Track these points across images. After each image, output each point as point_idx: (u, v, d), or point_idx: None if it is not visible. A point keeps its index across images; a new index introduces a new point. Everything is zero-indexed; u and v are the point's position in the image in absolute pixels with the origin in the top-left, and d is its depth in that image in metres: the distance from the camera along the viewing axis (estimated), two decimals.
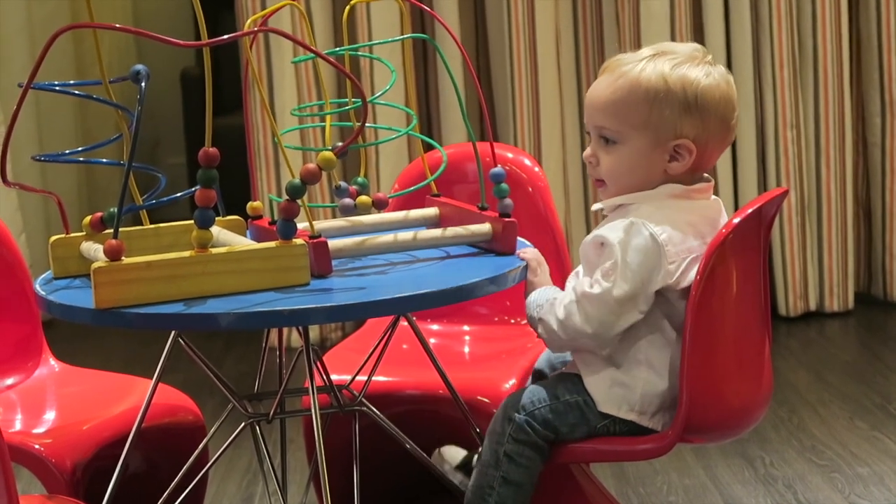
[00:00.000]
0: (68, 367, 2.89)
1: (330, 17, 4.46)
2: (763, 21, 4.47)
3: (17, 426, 2.60)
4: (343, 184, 2.50)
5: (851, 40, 4.60)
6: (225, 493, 3.28)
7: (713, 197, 2.26)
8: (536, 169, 2.92)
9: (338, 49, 2.52)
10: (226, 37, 2.14)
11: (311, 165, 2.17)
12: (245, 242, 2.26)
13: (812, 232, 4.59)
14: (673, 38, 4.43)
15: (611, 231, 2.14)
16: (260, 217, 2.44)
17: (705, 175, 2.26)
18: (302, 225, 2.28)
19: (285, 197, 2.18)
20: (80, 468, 2.45)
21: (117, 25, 2.20)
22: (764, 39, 4.49)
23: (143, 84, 2.12)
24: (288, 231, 2.17)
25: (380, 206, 2.49)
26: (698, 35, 4.50)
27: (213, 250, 2.14)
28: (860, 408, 3.67)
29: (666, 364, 2.20)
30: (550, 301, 2.19)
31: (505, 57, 4.46)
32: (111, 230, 2.31)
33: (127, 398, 2.72)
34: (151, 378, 2.47)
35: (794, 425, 3.56)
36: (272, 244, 2.17)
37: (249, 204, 2.44)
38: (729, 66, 4.51)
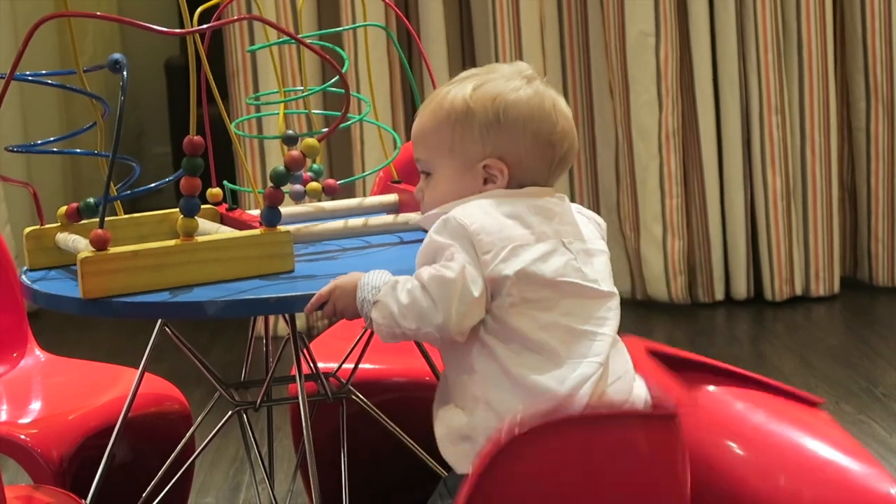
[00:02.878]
0: (54, 357, 2.88)
1: (315, 2, 4.45)
2: (747, 5, 4.48)
3: (3, 417, 2.59)
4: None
5: (836, 24, 4.60)
6: (212, 483, 3.28)
7: (557, 196, 2.04)
8: None
9: (286, 39, 2.51)
10: (210, 24, 2.14)
11: (296, 153, 2.17)
12: (225, 230, 2.26)
13: (797, 217, 4.60)
14: (657, 24, 4.44)
15: (431, 235, 1.98)
16: (219, 203, 2.44)
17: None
18: (255, 212, 2.29)
19: (269, 184, 2.18)
20: (66, 458, 2.45)
21: (100, 14, 2.20)
22: (748, 24, 4.49)
23: (124, 73, 2.12)
24: (273, 218, 2.17)
25: (330, 192, 2.49)
26: (682, 19, 4.50)
27: (199, 238, 2.14)
28: (846, 392, 3.68)
29: (503, 398, 1.93)
30: (391, 284, 1.98)
31: (490, 45, 4.46)
32: (86, 221, 2.31)
33: (113, 388, 2.71)
34: (138, 368, 2.47)
35: None
36: (257, 231, 2.17)
37: (209, 191, 2.44)
38: (713, 50, 4.52)
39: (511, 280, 1.93)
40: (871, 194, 4.66)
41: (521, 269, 1.94)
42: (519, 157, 2.03)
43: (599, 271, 2.00)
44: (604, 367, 1.94)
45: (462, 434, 1.96)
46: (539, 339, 1.94)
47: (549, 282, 1.95)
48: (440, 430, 2.00)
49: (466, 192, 2.02)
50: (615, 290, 2.02)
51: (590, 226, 2.06)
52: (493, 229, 1.95)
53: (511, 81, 2.03)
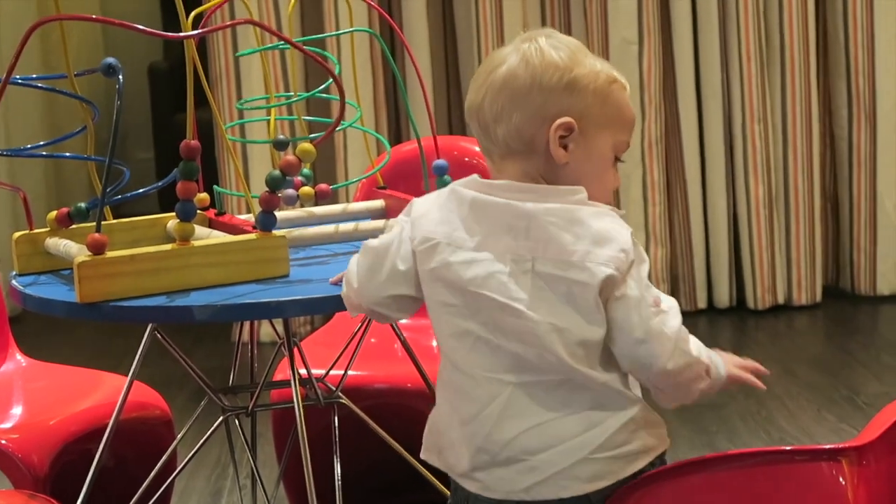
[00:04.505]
0: (35, 361, 2.87)
1: (299, 7, 4.45)
2: (730, 14, 4.48)
3: None
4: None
5: (818, 33, 4.61)
6: (194, 489, 3.27)
7: (548, 205, 1.74)
8: None
9: (278, 44, 2.51)
10: (206, 29, 2.14)
11: (291, 157, 2.16)
12: (218, 235, 2.26)
13: (780, 225, 4.61)
14: (640, 32, 4.45)
15: None
16: (207, 208, 2.44)
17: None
18: (244, 216, 2.28)
19: (265, 189, 2.17)
20: (46, 463, 2.44)
21: (96, 17, 2.19)
22: (731, 32, 4.50)
23: (120, 77, 2.11)
24: (268, 222, 2.17)
25: (322, 197, 2.50)
26: (665, 28, 4.50)
27: (195, 243, 2.14)
28: (828, 400, 3.69)
29: (440, 395, 1.84)
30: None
31: (472, 50, 4.45)
32: (77, 226, 2.30)
33: (94, 393, 2.70)
34: (119, 372, 2.46)
35: (763, 418, 3.57)
36: (253, 236, 2.16)
37: (196, 196, 2.43)
38: (696, 59, 4.52)
39: (424, 277, 1.80)
40: (853, 203, 4.67)
41: (434, 268, 1.78)
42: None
43: (540, 299, 1.73)
44: (514, 388, 1.75)
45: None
46: (449, 346, 1.80)
47: (463, 289, 1.76)
48: None
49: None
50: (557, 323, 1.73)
51: (596, 251, 1.72)
52: (432, 221, 1.80)
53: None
